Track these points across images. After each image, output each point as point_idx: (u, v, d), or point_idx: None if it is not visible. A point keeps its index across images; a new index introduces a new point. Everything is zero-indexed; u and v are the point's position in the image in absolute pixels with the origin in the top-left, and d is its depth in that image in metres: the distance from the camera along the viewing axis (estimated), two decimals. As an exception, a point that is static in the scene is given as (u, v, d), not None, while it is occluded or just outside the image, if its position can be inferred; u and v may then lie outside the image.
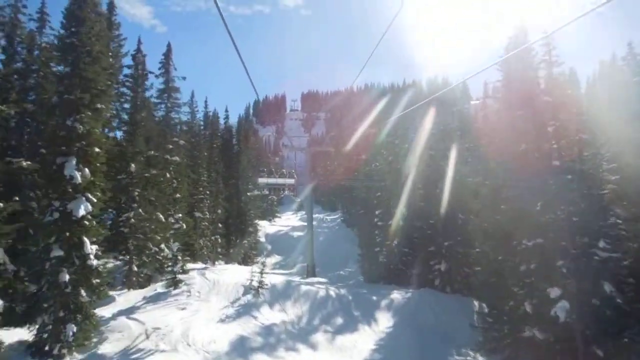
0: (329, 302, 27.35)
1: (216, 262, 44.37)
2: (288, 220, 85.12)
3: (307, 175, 39.53)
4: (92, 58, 18.82)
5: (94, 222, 18.51)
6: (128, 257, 26.25)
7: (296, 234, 68.78)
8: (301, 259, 60.89)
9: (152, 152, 29.93)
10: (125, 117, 29.61)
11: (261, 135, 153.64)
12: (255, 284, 24.95)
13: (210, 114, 59.43)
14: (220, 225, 46.26)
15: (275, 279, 27.67)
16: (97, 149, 18.60)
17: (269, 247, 64.21)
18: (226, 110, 58.89)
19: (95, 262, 18.06)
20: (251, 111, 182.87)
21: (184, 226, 33.45)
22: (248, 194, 68.22)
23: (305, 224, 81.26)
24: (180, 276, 24.23)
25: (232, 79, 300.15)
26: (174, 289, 23.63)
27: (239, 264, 53.98)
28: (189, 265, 30.30)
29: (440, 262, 32.81)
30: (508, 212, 22.62)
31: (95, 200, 18.36)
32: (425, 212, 35.47)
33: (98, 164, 18.77)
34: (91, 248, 17.88)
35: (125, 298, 23.75)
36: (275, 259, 62.11)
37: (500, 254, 23.63)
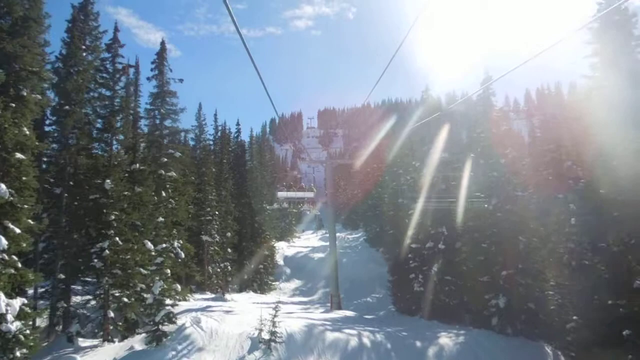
0: (363, 355, 20.35)
1: (227, 292, 37.64)
2: (308, 241, 78.18)
3: (328, 191, 32.52)
4: (14, 25, 12.38)
5: (17, 263, 11.93)
6: (103, 298, 19.65)
7: (317, 255, 61.79)
8: (323, 283, 54.00)
9: (138, 165, 23.44)
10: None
11: (277, 154, 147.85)
12: (265, 335, 18.03)
13: (221, 128, 52.99)
14: (229, 250, 39.54)
15: (292, 324, 20.73)
16: (19, 156, 12.10)
17: (288, 270, 57.29)
18: (237, 124, 52.66)
19: (15, 325, 11.45)
20: (267, 129, 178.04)
21: (182, 255, 26.89)
22: (267, 207, 61.59)
23: (327, 243, 74.65)
24: (166, 327, 17.53)
25: (246, 101, 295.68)
26: (156, 345, 16.92)
27: (255, 291, 47.28)
28: (184, 305, 23.63)
29: (497, 296, 25.62)
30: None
31: (18, 231, 11.85)
32: (475, 233, 28.41)
33: (24, 178, 12.23)
34: (7, 305, 11.29)
35: (91, 358, 17.11)
36: (294, 283, 55.18)
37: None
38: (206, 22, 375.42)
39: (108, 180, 20.25)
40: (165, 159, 27.84)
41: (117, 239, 19.56)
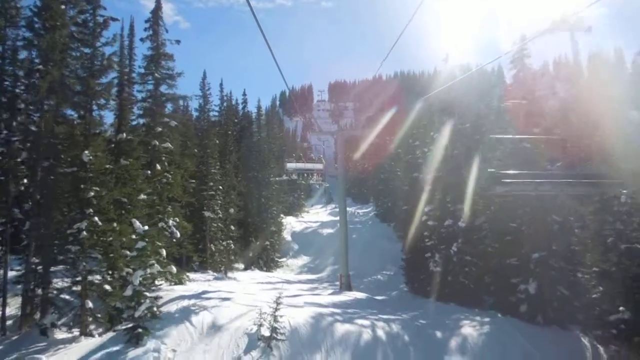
0: (377, 351, 17.62)
1: (230, 270, 35.10)
2: (317, 215, 75.33)
3: (338, 164, 29.51)
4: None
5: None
6: (81, 287, 17.01)
7: (326, 231, 59.07)
8: (332, 260, 51.42)
9: (125, 135, 20.52)
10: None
11: (287, 126, 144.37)
12: (266, 331, 15.28)
13: (227, 98, 49.89)
14: (233, 227, 36.83)
15: (297, 315, 17.94)
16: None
17: (296, 246, 54.69)
18: (244, 94, 49.35)
19: None
20: (278, 102, 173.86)
21: (178, 234, 24.19)
22: (277, 178, 58.88)
23: (336, 218, 71.78)
24: (148, 323, 14.80)
25: (256, 74, 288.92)
26: (135, 345, 14.22)
27: (260, 268, 44.79)
28: (178, 290, 20.98)
29: (526, 280, 22.71)
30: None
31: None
32: (502, 211, 25.44)
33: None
34: None
35: (60, 358, 14.48)
36: (302, 260, 52.63)
37: None
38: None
39: (86, 152, 17.40)
40: (160, 129, 24.91)
41: (96, 218, 16.81)
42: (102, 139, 18.41)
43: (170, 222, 24.24)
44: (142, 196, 19.38)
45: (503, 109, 30.17)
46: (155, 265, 16.89)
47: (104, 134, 18.42)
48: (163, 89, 26.01)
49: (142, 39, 25.92)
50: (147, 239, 14.91)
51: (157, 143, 24.58)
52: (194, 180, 37.08)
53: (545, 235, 22.38)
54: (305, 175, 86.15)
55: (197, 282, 29.57)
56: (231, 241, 35.02)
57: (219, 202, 37.07)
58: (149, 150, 24.88)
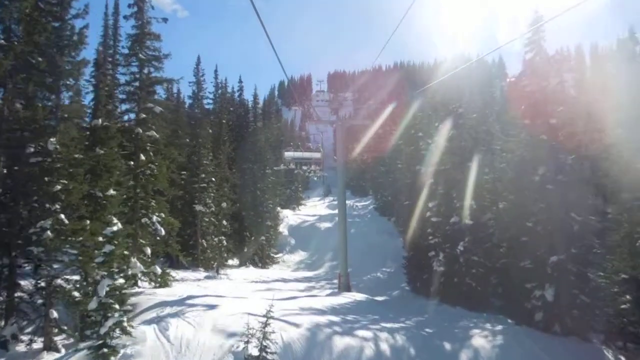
0: (381, 366, 15.53)
1: (222, 268, 32.97)
2: (314, 208, 73.19)
3: (338, 156, 27.31)
4: None
5: None
6: (45, 294, 14.83)
7: (324, 225, 56.95)
8: (330, 256, 49.38)
9: (100, 121, 18.25)
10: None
11: (286, 117, 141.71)
12: (254, 350, 13.10)
13: (222, 85, 47.49)
14: (225, 222, 34.63)
15: (291, 329, 15.79)
16: None
17: (292, 241, 52.54)
18: (240, 81, 46.84)
19: None
20: (276, 93, 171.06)
21: (162, 231, 22.02)
22: (274, 168, 56.60)
23: (334, 212, 69.63)
24: (117, 340, 12.59)
25: (254, 65, 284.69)
26: (101, 367, 12.07)
27: (256, 264, 42.71)
28: (161, 294, 18.86)
29: (542, 286, 20.61)
30: None
31: None
32: (514, 208, 23.32)
33: None
34: None
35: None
36: (299, 255, 50.55)
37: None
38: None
39: (53, 139, 15.18)
40: (144, 115, 22.64)
41: (62, 216, 14.62)
42: (72, 124, 16.11)
43: (155, 217, 22.05)
44: (111, 191, 17.04)
45: (507, 99, 28.22)
46: (133, 268, 14.75)
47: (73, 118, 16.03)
48: (148, 71, 23.69)
49: (125, 17, 23.55)
50: (116, 241, 12.67)
51: (141, 131, 22.31)
52: (184, 172, 34.96)
53: (563, 236, 20.25)
54: (304, 166, 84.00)
55: (186, 282, 27.51)
56: (223, 237, 32.85)
57: (212, 195, 34.91)
58: (132, 139, 22.64)
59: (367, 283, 39.79)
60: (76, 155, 15.67)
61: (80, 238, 14.97)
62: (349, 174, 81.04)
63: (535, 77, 22.45)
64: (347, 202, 62.67)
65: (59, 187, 14.94)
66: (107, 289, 12.20)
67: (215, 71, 46.05)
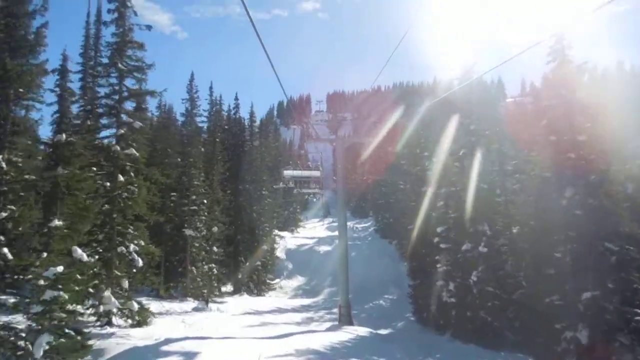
0: None
1: (212, 298, 30.08)
2: (313, 230, 70.35)
3: (338, 176, 24.63)
4: None
5: None
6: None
7: (323, 248, 54.12)
8: (329, 281, 46.55)
9: (64, 136, 15.60)
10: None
11: (285, 137, 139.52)
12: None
13: (218, 102, 45.05)
14: (216, 249, 31.81)
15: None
16: None
17: (290, 266, 49.66)
18: (236, 99, 44.41)
19: None
20: (275, 113, 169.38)
21: (140, 263, 19.29)
22: (273, 186, 54.06)
23: (334, 234, 66.65)
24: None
25: (253, 85, 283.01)
26: None
27: (251, 292, 39.88)
28: (135, 336, 16.07)
29: (575, 326, 17.85)
30: None
31: None
32: (536, 235, 20.71)
33: None
34: None
35: None
36: (297, 281, 47.65)
37: None
38: (212, 4, 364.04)
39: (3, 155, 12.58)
40: (122, 131, 20.06)
41: (5, 250, 11.94)
42: (28, 137, 13.51)
43: (132, 246, 19.32)
44: (56, 223, 14.25)
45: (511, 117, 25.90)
46: (107, 303, 11.98)
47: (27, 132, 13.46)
48: (130, 83, 21.21)
49: (105, 23, 21.16)
50: (60, 285, 9.95)
51: (119, 148, 19.70)
52: (174, 193, 32.35)
53: (598, 269, 17.55)
54: (304, 188, 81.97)
55: (171, 315, 24.71)
56: (214, 265, 30.03)
57: (203, 218, 32.20)
58: (109, 158, 20.04)
59: (369, 312, 36.95)
60: (27, 176, 13.06)
61: (30, 276, 12.23)
62: (348, 195, 78.41)
63: (558, 89, 20.00)
64: (347, 223, 59.77)
65: (4, 214, 12.30)
66: (46, 347, 9.47)
67: (210, 88, 43.40)
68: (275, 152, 71.18)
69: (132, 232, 19.39)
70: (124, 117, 20.92)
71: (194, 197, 31.61)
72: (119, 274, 19.64)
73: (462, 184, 26.24)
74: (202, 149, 34.83)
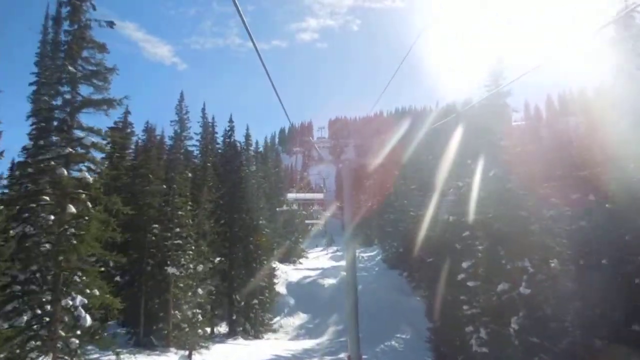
0: None
1: (196, 350, 24.95)
2: (317, 261, 64.97)
3: (345, 201, 19.52)
4: None
5: None
6: None
7: (327, 281, 48.82)
8: (335, 319, 41.36)
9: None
10: None
11: (286, 164, 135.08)
12: None
13: (211, 124, 40.56)
14: (201, 291, 26.76)
15: None
16: None
17: (292, 301, 44.40)
18: (231, 121, 39.83)
19: None
20: (277, 140, 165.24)
21: (88, 320, 14.45)
22: (278, 208, 49.27)
23: (338, 264, 61.45)
24: None
25: (253, 113, 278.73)
26: None
27: (247, 334, 34.82)
28: None
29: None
30: None
31: None
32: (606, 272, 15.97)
33: None
34: None
35: None
36: (299, 318, 42.39)
37: None
38: (212, 36, 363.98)
39: None
40: (69, 149, 15.42)
41: None
42: None
43: (78, 299, 14.49)
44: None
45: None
46: None
47: None
48: (84, 90, 16.67)
49: (54, 19, 16.77)
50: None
51: (65, 172, 15.04)
52: (156, 225, 27.65)
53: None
54: (306, 205, 77.85)
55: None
56: (198, 310, 24.99)
57: (190, 254, 27.37)
58: (54, 183, 15.38)
59: (380, 357, 31.77)
60: None
61: None
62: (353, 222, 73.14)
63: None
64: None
65: None
66: None
67: (203, 109, 39.17)
68: (276, 179, 66.44)
69: (79, 279, 14.57)
70: (77, 132, 16.34)
71: (177, 229, 26.86)
72: (62, 334, 14.79)
73: (493, 211, 21.49)
74: (190, 175, 30.16)
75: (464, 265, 23.01)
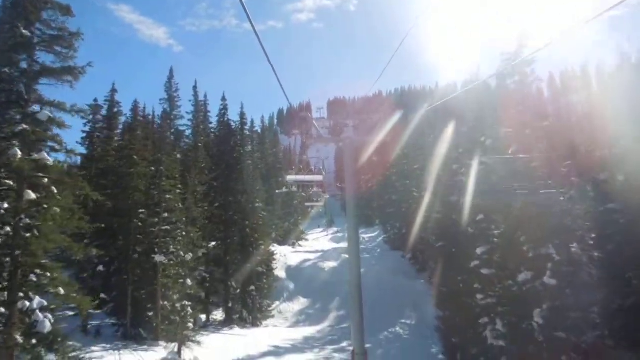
0: None
1: (186, 344, 22.71)
2: (317, 242, 62.60)
3: (347, 182, 16.89)
4: None
5: None
6: None
7: (328, 264, 46.53)
8: (337, 303, 39.32)
9: None
10: None
11: (286, 145, 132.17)
12: None
13: (202, 103, 37.84)
14: (190, 282, 24.35)
15: None
16: None
17: (291, 286, 42.17)
18: (224, 99, 37.06)
19: None
20: (275, 121, 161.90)
21: (47, 326, 12.11)
22: (277, 191, 47.07)
23: (339, 245, 59.23)
24: None
25: (250, 95, 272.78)
26: None
27: (244, 322, 32.80)
28: None
29: None
30: None
31: None
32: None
33: None
34: None
35: None
36: (299, 304, 40.22)
37: None
38: (207, 18, 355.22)
39: None
40: (24, 126, 12.94)
41: None
42: None
43: (36, 300, 12.16)
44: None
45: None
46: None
47: None
48: (41, 57, 14.12)
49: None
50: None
51: (19, 152, 12.59)
52: (143, 210, 25.28)
53: None
54: (306, 187, 75.45)
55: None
56: (189, 303, 22.67)
57: (180, 240, 25.04)
58: (6, 166, 12.94)
59: (385, 346, 29.72)
60: None
61: None
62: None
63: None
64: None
65: None
66: None
67: (195, 87, 36.34)
68: (274, 160, 63.74)
69: (36, 279, 12.21)
70: (34, 107, 13.83)
71: (165, 214, 24.48)
72: (21, 340, 12.49)
73: (511, 192, 19.06)
74: (179, 156, 27.67)
75: (479, 251, 20.75)
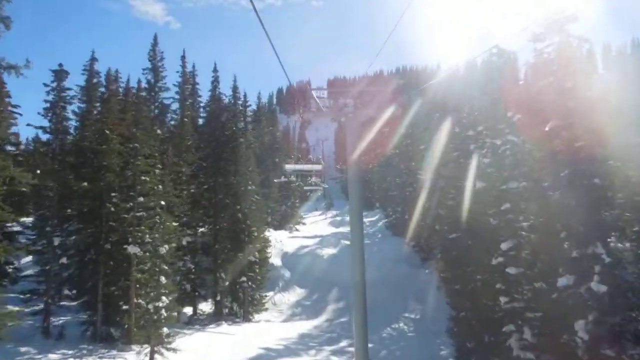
0: None
1: (164, 347, 19.42)
2: (315, 226, 59.05)
3: (349, 160, 13.14)
4: None
5: None
6: None
7: (327, 251, 43.09)
8: (335, 294, 36.32)
9: None
10: None
11: (287, 125, 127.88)
12: None
13: (190, 74, 34.10)
14: (164, 279, 20.88)
15: None
16: None
17: (287, 274, 38.87)
18: (215, 70, 33.23)
19: None
20: (274, 100, 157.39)
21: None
22: (275, 178, 43.82)
23: (338, 230, 55.87)
24: None
25: (247, 73, 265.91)
26: None
27: (234, 317, 29.63)
28: None
29: None
30: None
31: None
32: None
33: None
34: None
35: None
36: (295, 294, 37.06)
37: None
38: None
39: None
40: None
41: None
42: None
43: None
44: None
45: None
46: None
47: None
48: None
49: None
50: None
51: None
52: (115, 194, 21.85)
53: None
54: (304, 176, 71.50)
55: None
56: (163, 301, 19.22)
57: (158, 228, 21.61)
58: None
59: (388, 345, 26.69)
60: None
61: None
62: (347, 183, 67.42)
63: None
64: (349, 219, 49.13)
65: None
66: None
67: (183, 57, 32.60)
68: (270, 139, 59.98)
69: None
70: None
71: (141, 198, 21.04)
72: None
73: (549, 175, 15.64)
74: (159, 132, 24.11)
75: (504, 246, 17.38)
